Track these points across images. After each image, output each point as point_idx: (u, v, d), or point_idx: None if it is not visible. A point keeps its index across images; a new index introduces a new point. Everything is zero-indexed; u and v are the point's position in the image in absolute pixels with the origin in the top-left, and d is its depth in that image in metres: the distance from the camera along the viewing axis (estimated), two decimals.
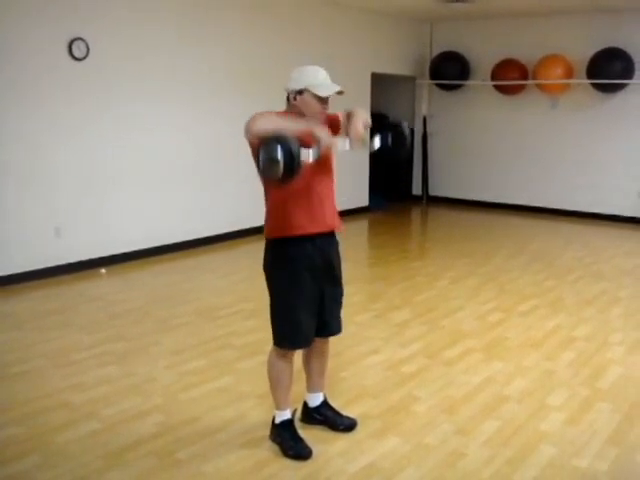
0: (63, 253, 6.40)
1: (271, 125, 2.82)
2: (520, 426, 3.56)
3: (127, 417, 3.61)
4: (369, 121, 3.10)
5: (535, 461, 3.21)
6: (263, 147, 2.74)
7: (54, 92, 6.15)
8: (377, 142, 3.16)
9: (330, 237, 3.23)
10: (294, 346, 3.22)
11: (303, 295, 3.11)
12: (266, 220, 3.17)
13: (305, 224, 3.07)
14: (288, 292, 3.12)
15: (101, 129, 6.58)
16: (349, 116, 3.08)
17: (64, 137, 6.29)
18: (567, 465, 3.19)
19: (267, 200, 3.15)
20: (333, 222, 3.19)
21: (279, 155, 2.67)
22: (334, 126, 3.15)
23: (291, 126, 2.87)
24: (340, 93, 3.03)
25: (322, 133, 2.86)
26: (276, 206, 3.10)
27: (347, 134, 3.01)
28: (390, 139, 3.18)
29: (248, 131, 2.84)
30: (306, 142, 2.83)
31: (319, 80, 3.04)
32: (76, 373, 4.17)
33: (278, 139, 2.71)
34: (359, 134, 2.97)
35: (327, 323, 3.30)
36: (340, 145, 2.99)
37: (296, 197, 3.04)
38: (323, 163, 3.05)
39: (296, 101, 3.04)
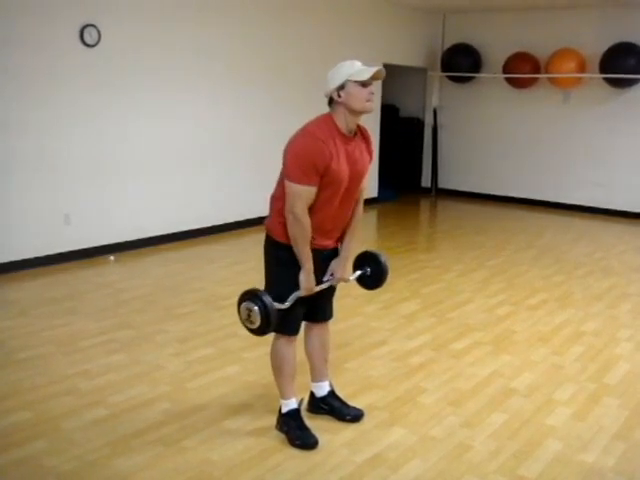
0: (72, 240, 6.41)
1: (294, 237, 3.01)
2: (527, 420, 3.55)
3: (134, 404, 3.61)
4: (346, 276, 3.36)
5: (541, 455, 3.20)
6: (245, 301, 2.99)
7: (65, 78, 6.14)
8: (356, 274, 3.47)
9: (336, 249, 3.32)
10: (286, 332, 3.23)
11: (299, 287, 3.12)
12: (273, 218, 3.14)
13: (317, 238, 3.11)
14: (285, 283, 3.12)
15: (111, 116, 6.58)
16: (342, 260, 3.31)
17: (74, 124, 6.29)
18: (573, 460, 3.18)
19: (280, 202, 3.11)
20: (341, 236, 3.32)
21: (256, 312, 2.93)
22: (368, 144, 3.23)
23: (299, 254, 3.04)
24: (378, 75, 2.97)
25: (303, 281, 3.08)
26: None
27: (331, 273, 3.28)
28: (369, 272, 3.47)
29: (290, 211, 2.98)
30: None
31: (356, 68, 3.00)
32: (83, 360, 4.18)
33: (255, 298, 2.95)
34: (343, 280, 3.34)
35: (321, 309, 3.39)
36: (321, 286, 3.24)
37: (315, 212, 3.04)
38: (353, 188, 3.15)
39: (341, 98, 2.98)
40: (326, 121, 3.02)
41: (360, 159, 3.13)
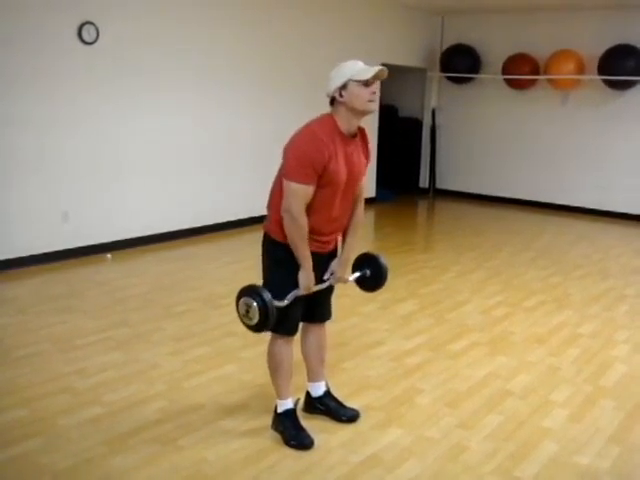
0: (70, 238, 6.41)
1: (291, 236, 2.99)
2: (523, 421, 3.56)
3: (130, 403, 3.61)
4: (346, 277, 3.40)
5: (537, 457, 3.21)
6: (244, 297, 2.98)
7: (63, 76, 6.13)
8: (355, 275, 3.48)
9: (335, 251, 3.33)
10: (284, 332, 3.22)
11: (297, 285, 3.12)
12: (271, 217, 3.14)
13: (316, 241, 3.11)
14: (282, 281, 3.12)
15: (110, 114, 6.57)
16: (342, 260, 3.33)
17: (73, 122, 6.28)
18: (569, 462, 3.18)
19: (277, 198, 3.10)
20: (337, 241, 3.33)
21: (255, 308, 2.93)
22: (365, 146, 3.24)
23: (297, 253, 3.02)
24: (381, 74, 2.97)
25: (302, 280, 3.07)
26: None
27: (331, 273, 3.30)
28: (368, 273, 3.48)
29: (287, 210, 2.95)
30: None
31: (358, 68, 2.99)
32: (80, 358, 4.18)
33: (254, 294, 2.94)
34: (343, 280, 3.35)
35: (320, 309, 3.38)
36: (320, 285, 3.24)
37: (313, 213, 3.03)
38: (350, 190, 3.16)
39: (343, 97, 2.97)
40: (328, 121, 3.02)
41: (358, 162, 3.13)
